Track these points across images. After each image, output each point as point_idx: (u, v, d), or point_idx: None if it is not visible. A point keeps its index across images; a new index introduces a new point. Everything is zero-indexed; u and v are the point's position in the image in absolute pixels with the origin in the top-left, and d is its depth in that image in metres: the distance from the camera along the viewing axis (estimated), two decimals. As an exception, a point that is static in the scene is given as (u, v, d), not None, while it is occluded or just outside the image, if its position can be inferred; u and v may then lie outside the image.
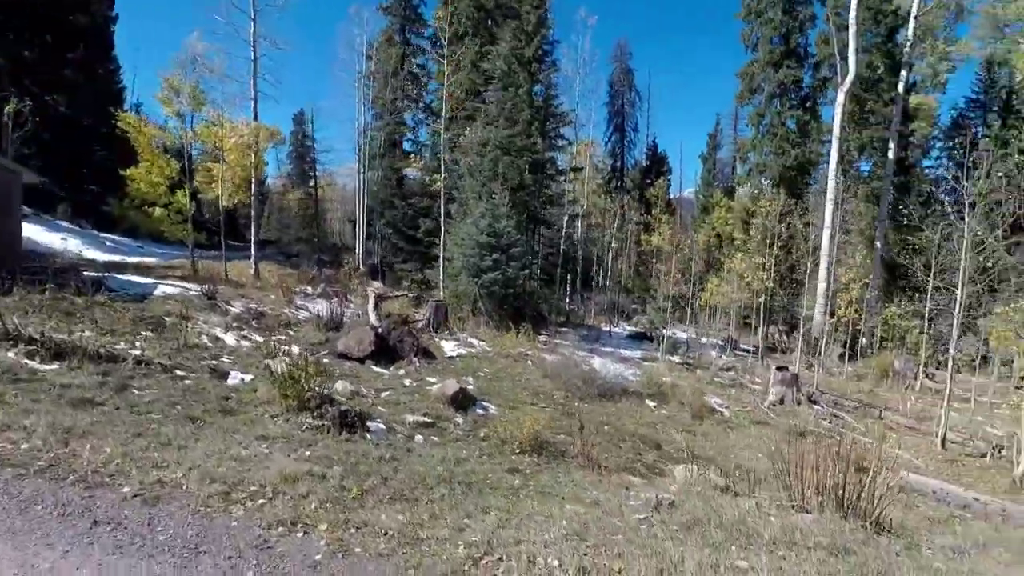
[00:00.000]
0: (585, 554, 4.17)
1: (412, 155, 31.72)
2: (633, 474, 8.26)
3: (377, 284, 20.93)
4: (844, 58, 25.95)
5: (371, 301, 13.87)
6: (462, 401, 9.82)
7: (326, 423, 6.86)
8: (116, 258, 18.55)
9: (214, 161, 18.15)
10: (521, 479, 6.80)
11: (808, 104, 29.19)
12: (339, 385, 9.06)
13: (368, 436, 7.13)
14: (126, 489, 4.13)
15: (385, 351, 12.06)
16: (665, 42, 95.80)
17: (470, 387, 10.85)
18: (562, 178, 24.22)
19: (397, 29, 30.49)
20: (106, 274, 13.48)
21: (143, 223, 18.78)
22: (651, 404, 13.44)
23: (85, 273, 12.61)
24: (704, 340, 24.47)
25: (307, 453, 5.86)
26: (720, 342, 24.74)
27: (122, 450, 4.74)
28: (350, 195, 44.24)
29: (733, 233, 28.79)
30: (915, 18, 26.80)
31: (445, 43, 17.54)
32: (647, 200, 37.69)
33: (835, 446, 6.81)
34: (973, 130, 32.47)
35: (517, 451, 8.19)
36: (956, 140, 34.51)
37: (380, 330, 12.45)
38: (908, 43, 26.94)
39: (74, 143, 23.66)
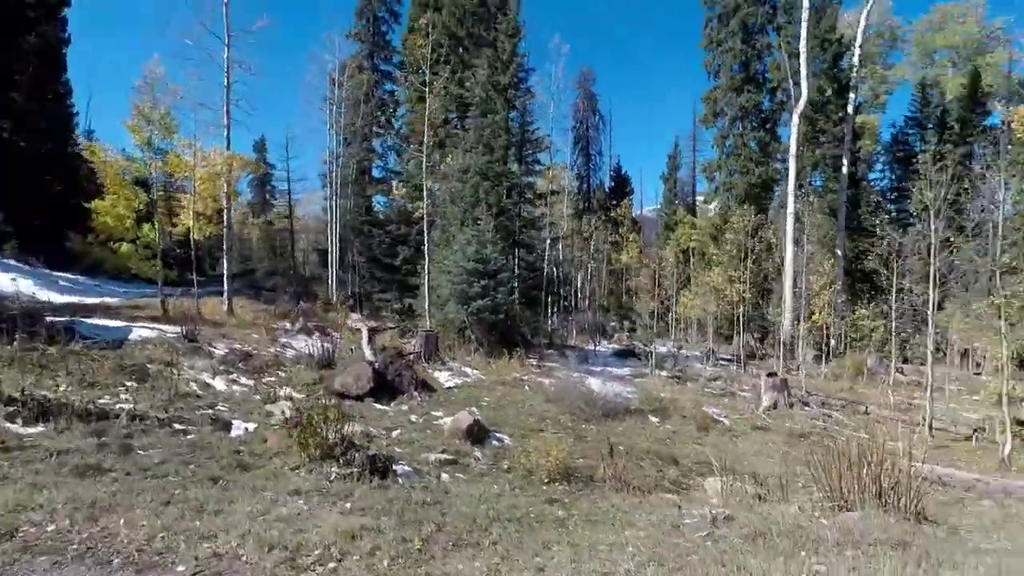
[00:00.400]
0: (675, 578, 4.01)
1: (382, 182, 31.34)
2: (666, 492, 8.12)
3: (357, 316, 20.34)
4: (797, 83, 27.32)
5: (364, 335, 13.39)
6: (478, 434, 9.52)
7: (354, 470, 6.45)
8: (74, 299, 17.31)
9: (182, 192, 17.23)
10: (563, 509, 6.63)
11: (768, 126, 30.62)
12: (348, 427, 8.59)
13: (400, 480, 6.75)
14: (181, 568, 3.68)
15: (384, 387, 11.62)
16: (623, 69, 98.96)
17: (479, 418, 10.52)
18: (540, 202, 24.33)
19: (366, 55, 30.25)
20: (74, 318, 12.56)
21: (109, 260, 17.59)
22: (654, 420, 13.39)
23: (52, 319, 11.69)
24: (685, 353, 24.76)
25: (347, 505, 5.48)
26: (700, 353, 25.08)
27: (159, 522, 4.26)
28: (313, 224, 43.19)
29: (705, 249, 29.51)
30: (859, 46, 28.58)
31: (427, 70, 17.37)
32: (615, 220, 38.36)
33: (856, 444, 6.89)
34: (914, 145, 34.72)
35: (546, 481, 8.01)
36: (896, 154, 36.78)
37: (377, 365, 12.00)
38: (853, 68, 28.62)
39: (21, 172, 22.00)
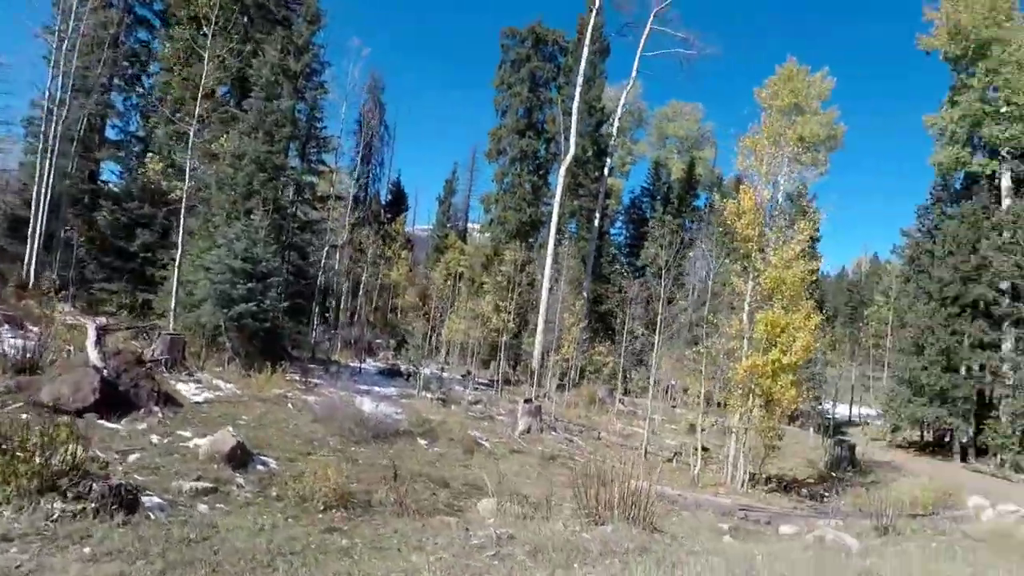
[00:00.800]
0: (475, 600, 4.30)
1: (119, 146, 25.95)
2: (443, 514, 8.30)
3: (69, 308, 16.40)
4: (567, 139, 31.28)
5: (92, 335, 10.77)
6: (241, 458, 8.46)
7: (89, 506, 5.19)
8: None
9: None
10: (346, 538, 6.41)
11: (541, 172, 34.34)
12: (80, 451, 6.86)
13: (151, 515, 5.62)
14: None
15: (115, 400, 9.53)
16: (409, 87, 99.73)
17: (241, 439, 9.37)
18: (321, 205, 22.95)
19: (116, -10, 24.87)
20: None
21: None
22: (423, 443, 13.58)
23: None
24: (446, 375, 25.67)
25: (87, 550, 4.46)
26: (460, 376, 26.26)
27: None
28: (3, 183, 33.30)
29: (474, 276, 31.31)
30: (618, 118, 34.22)
31: (209, 32, 15.02)
32: (389, 234, 38.17)
33: (608, 467, 8.17)
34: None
35: (322, 508, 7.54)
36: (632, 216, 44.75)
37: (107, 372, 9.82)
38: (611, 136, 34.10)
39: None
